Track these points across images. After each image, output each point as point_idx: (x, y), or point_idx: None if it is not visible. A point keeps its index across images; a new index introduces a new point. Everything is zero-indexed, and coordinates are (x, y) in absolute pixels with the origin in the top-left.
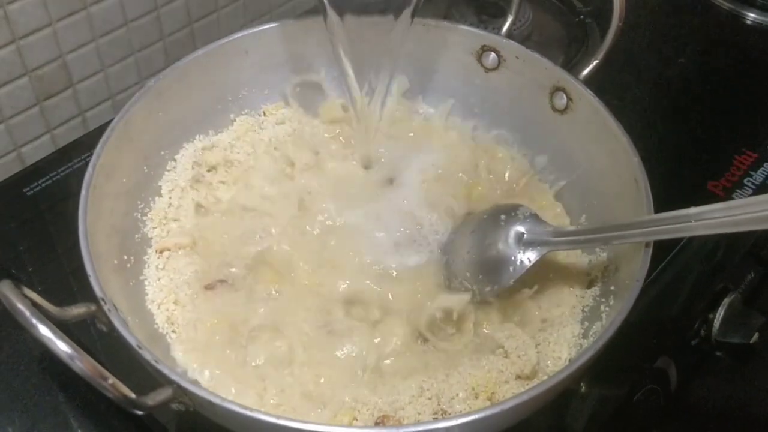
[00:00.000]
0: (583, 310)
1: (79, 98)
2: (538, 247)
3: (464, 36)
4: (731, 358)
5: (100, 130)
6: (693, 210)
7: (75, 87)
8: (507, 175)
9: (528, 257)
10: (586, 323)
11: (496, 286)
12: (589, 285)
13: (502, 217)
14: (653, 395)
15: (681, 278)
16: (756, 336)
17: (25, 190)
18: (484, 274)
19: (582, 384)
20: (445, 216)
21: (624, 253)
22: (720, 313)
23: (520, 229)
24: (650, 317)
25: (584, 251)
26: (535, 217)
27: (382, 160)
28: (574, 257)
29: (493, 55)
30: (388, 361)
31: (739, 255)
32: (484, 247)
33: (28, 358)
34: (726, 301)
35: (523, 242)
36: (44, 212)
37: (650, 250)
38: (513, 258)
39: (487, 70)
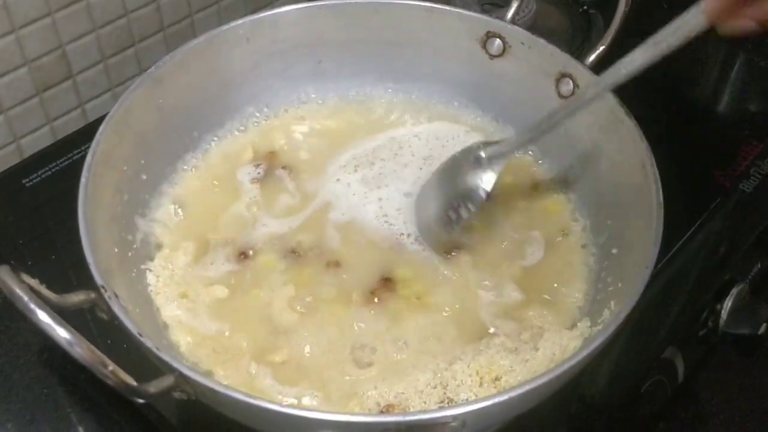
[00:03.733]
0: (590, 299)
1: (79, 89)
2: (499, 158)
3: (469, 22)
4: (739, 349)
5: (100, 122)
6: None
7: (75, 78)
8: (513, 162)
9: (492, 169)
10: (594, 312)
11: (471, 207)
12: (596, 274)
13: (458, 155)
14: (660, 387)
15: (688, 269)
16: (764, 327)
17: (24, 182)
18: (461, 202)
19: (589, 375)
20: None
21: (632, 240)
22: (727, 304)
23: (478, 153)
24: (657, 308)
25: (591, 243)
26: (487, 142)
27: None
28: (579, 249)
29: (498, 41)
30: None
31: (746, 245)
32: (454, 187)
33: (28, 351)
34: (733, 292)
35: (483, 163)
36: (43, 204)
37: (660, 236)
38: (480, 178)
39: (492, 56)
